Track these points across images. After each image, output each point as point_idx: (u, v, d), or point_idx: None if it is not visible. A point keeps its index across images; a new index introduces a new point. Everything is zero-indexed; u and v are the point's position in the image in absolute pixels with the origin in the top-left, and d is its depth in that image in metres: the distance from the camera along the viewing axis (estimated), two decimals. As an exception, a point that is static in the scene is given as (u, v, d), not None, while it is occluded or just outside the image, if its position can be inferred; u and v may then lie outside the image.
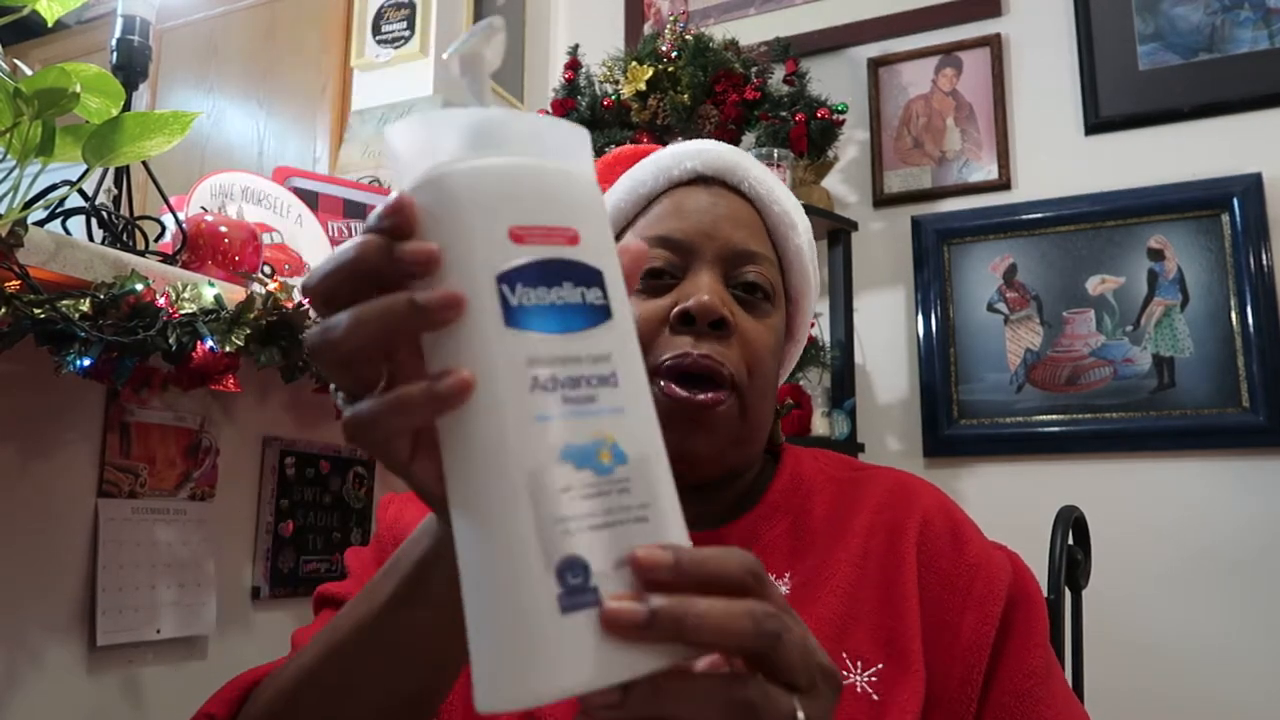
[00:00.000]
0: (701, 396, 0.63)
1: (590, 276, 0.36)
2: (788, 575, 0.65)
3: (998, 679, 0.62)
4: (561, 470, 0.33)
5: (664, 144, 1.88)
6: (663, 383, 0.64)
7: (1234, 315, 1.77)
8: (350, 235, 1.64)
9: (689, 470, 0.66)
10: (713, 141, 0.74)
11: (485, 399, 0.34)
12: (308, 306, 1.10)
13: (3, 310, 0.82)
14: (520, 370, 0.34)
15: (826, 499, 0.70)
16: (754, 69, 1.96)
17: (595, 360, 0.35)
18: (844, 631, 0.61)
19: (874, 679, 0.60)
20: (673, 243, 0.68)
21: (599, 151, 1.98)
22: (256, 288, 1.08)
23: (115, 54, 1.14)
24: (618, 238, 0.73)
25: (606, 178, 0.76)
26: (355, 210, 1.68)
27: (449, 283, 0.34)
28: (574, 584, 0.32)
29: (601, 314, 0.36)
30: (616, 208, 0.73)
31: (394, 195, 0.35)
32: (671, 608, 0.32)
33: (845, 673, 0.60)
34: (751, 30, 2.22)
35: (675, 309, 0.65)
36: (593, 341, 0.35)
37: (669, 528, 0.35)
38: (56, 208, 0.99)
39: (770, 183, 0.72)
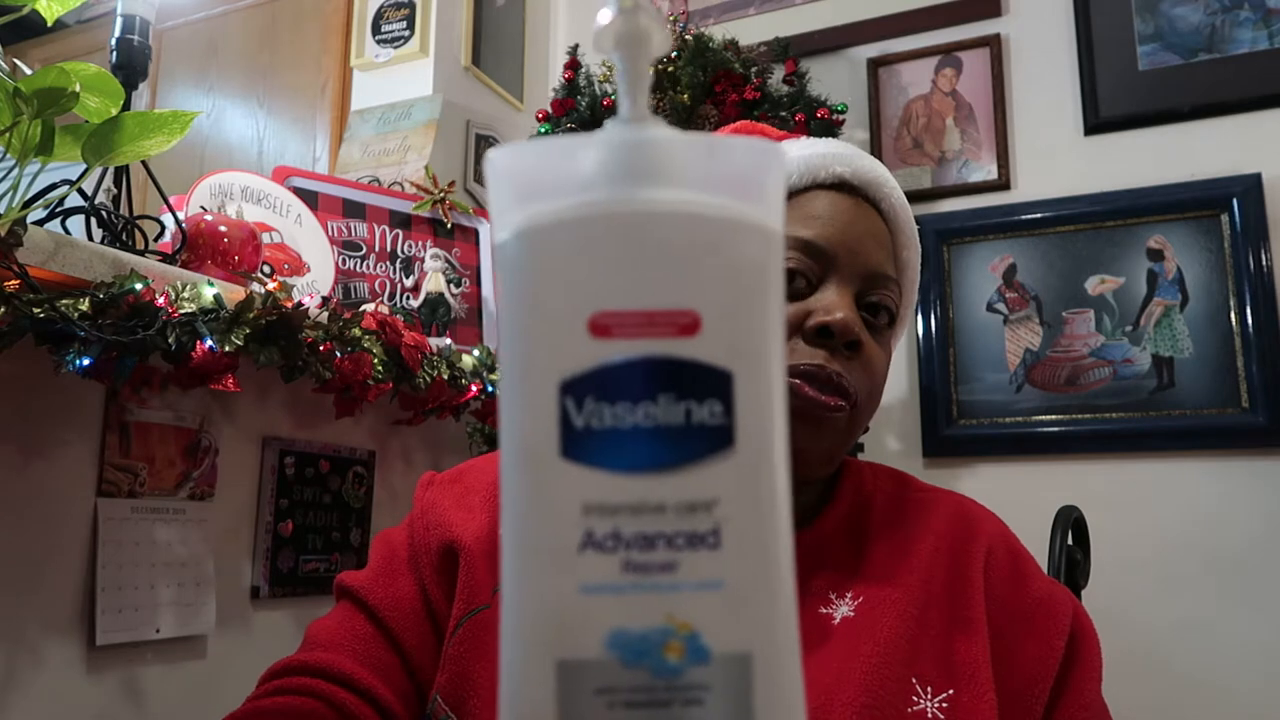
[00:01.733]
0: (829, 399, 0.63)
1: (708, 383, 0.25)
2: (849, 595, 0.64)
3: (1060, 712, 0.62)
4: (603, 665, 0.25)
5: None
6: (795, 380, 0.63)
7: (1233, 315, 1.78)
8: (350, 235, 1.64)
9: (795, 468, 0.66)
10: (855, 148, 0.74)
11: (524, 556, 0.26)
12: (306, 306, 1.10)
13: (2, 310, 0.82)
14: (570, 520, 0.25)
15: (886, 518, 0.70)
16: (754, 69, 1.96)
17: (688, 510, 0.25)
18: (913, 656, 0.61)
19: (945, 704, 0.59)
20: (816, 249, 0.67)
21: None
22: (256, 287, 1.08)
23: (115, 53, 1.14)
24: None
25: None
26: (355, 210, 1.68)
27: (508, 390, 0.26)
28: None
29: (716, 440, 0.25)
30: None
31: None
32: None
33: (915, 698, 0.59)
34: (751, 30, 2.22)
35: (814, 321, 0.64)
36: (691, 482, 0.25)
37: None
38: (56, 207, 0.99)
39: (904, 202, 0.72)
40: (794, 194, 0.70)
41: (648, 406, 0.25)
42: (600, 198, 0.26)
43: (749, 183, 0.27)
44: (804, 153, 0.72)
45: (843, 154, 0.72)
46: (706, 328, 0.25)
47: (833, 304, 0.65)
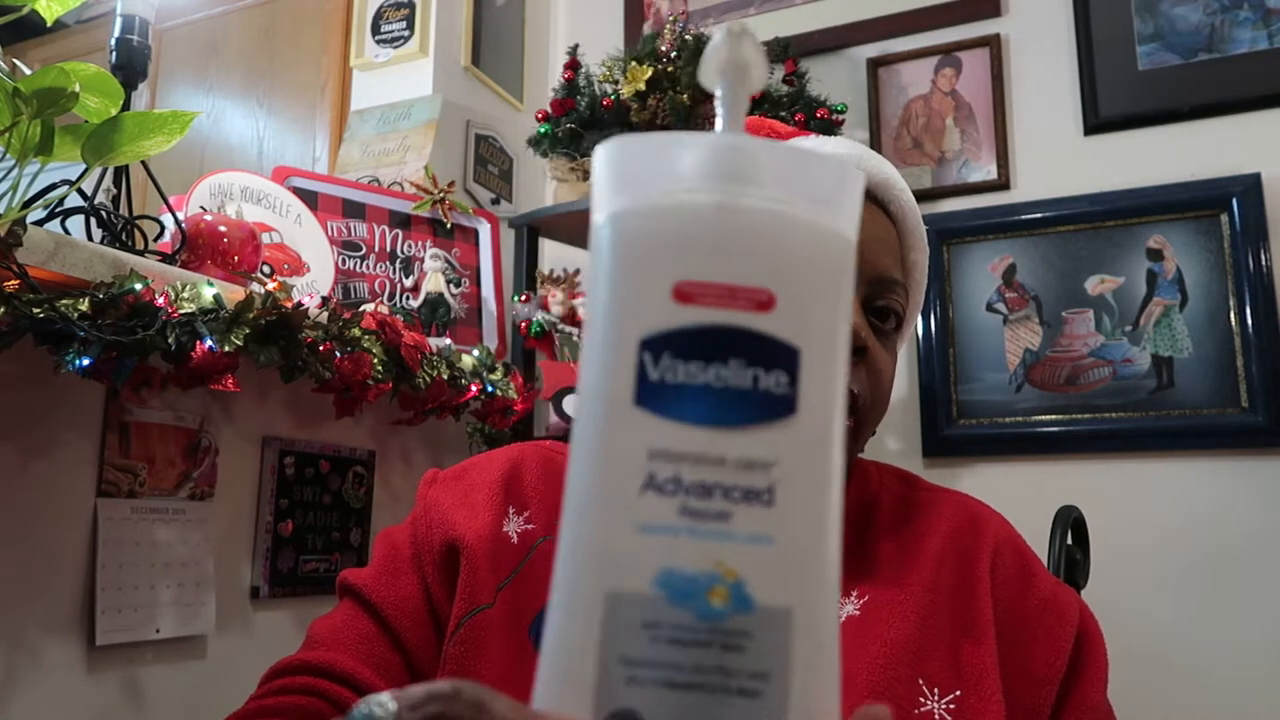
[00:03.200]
0: None
1: (777, 355, 0.27)
2: (854, 595, 0.64)
3: (1066, 714, 0.62)
4: (650, 600, 0.26)
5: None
6: None
7: (1233, 315, 1.78)
8: (349, 235, 1.64)
9: None
10: (865, 148, 0.73)
11: (587, 492, 0.27)
12: (306, 306, 1.10)
13: (2, 310, 0.82)
14: (635, 462, 0.27)
15: (893, 518, 0.69)
16: (753, 69, 1.96)
17: (747, 467, 0.27)
18: (919, 657, 0.61)
19: (953, 705, 0.59)
20: None
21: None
22: (256, 287, 1.08)
23: (115, 54, 1.14)
24: None
25: None
26: (355, 210, 1.68)
27: (592, 344, 0.28)
28: None
29: (779, 407, 0.27)
30: None
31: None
32: None
33: (921, 699, 0.59)
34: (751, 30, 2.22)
35: None
36: (752, 441, 0.27)
37: (790, 709, 0.26)
38: (56, 207, 0.99)
39: (913, 204, 0.72)
40: None
41: (719, 368, 0.27)
42: (699, 188, 0.28)
43: (831, 194, 0.30)
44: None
45: (852, 155, 0.71)
46: (781, 307, 0.28)
47: None
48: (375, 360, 1.20)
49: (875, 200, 0.70)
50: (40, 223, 0.96)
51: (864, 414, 0.66)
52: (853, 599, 0.64)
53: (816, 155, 0.30)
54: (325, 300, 1.20)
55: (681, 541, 0.26)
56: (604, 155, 0.30)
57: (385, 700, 0.28)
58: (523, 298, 1.81)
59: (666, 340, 0.27)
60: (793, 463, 0.27)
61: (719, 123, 0.30)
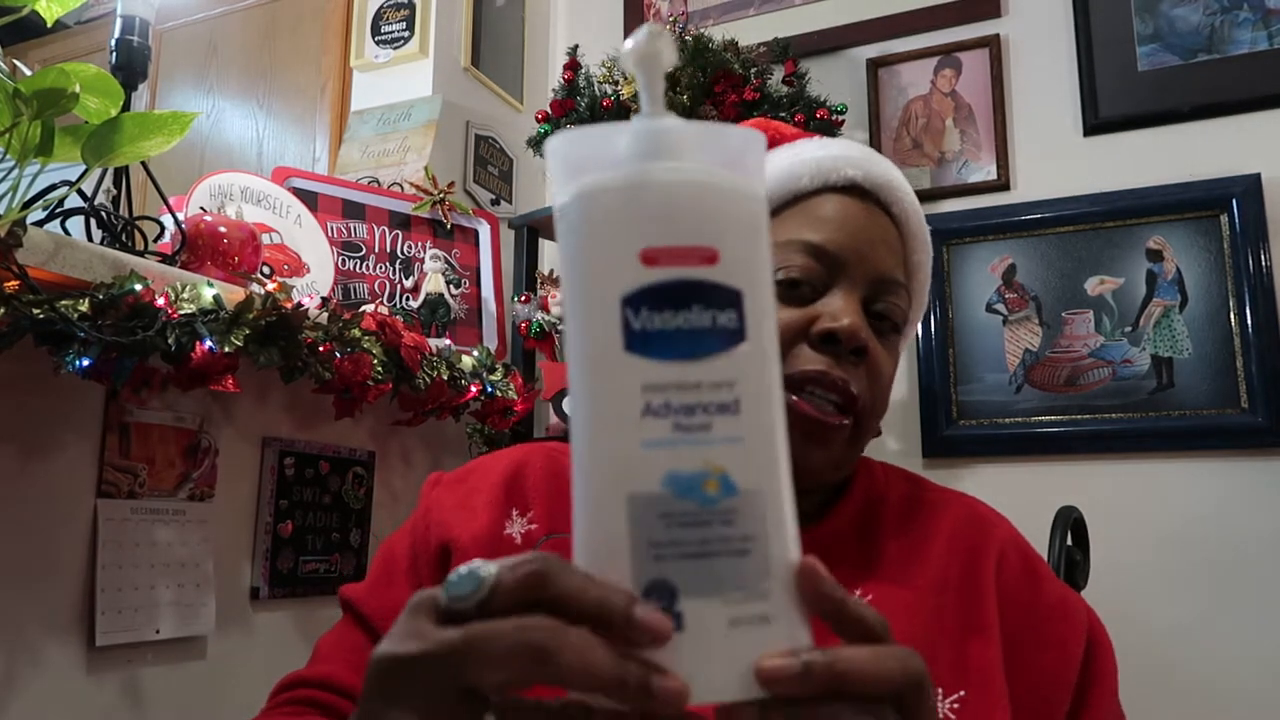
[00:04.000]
0: (833, 419, 0.63)
1: (725, 298, 0.35)
2: (858, 592, 0.64)
3: None
4: (661, 497, 0.33)
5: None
6: (795, 397, 0.63)
7: (1233, 316, 1.78)
8: (349, 236, 1.64)
9: (799, 480, 0.66)
10: (868, 150, 0.73)
11: (597, 423, 0.35)
12: (306, 307, 1.10)
13: (2, 310, 0.82)
14: (633, 396, 0.34)
15: (898, 517, 0.69)
16: (753, 69, 1.96)
17: (716, 387, 0.34)
18: (925, 656, 0.60)
19: (957, 705, 0.59)
20: (824, 253, 0.66)
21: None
22: (255, 288, 1.08)
23: (115, 54, 1.14)
24: None
25: None
26: (355, 211, 1.68)
27: (579, 305, 0.35)
28: (660, 607, 0.33)
29: (732, 337, 0.35)
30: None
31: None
32: (826, 662, 0.34)
33: None
34: (751, 31, 2.22)
35: (819, 327, 0.64)
36: (717, 367, 0.34)
37: (770, 559, 0.35)
38: (56, 208, 0.99)
39: (916, 205, 0.72)
40: (805, 196, 0.69)
41: (685, 314, 0.34)
42: (636, 168, 0.35)
43: (741, 160, 0.37)
44: (816, 154, 0.70)
45: (855, 156, 0.70)
46: (723, 260, 0.35)
47: (839, 310, 0.64)
48: (375, 361, 1.20)
49: (878, 202, 0.69)
50: (40, 223, 0.96)
51: (863, 414, 0.65)
52: (857, 597, 0.64)
53: (724, 128, 0.37)
54: (325, 301, 1.20)
55: (678, 450, 0.34)
56: (558, 145, 0.36)
57: (482, 565, 0.34)
58: (522, 298, 1.81)
59: (642, 296, 0.34)
60: (748, 378, 0.35)
61: (643, 104, 0.37)
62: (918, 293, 0.72)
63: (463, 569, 0.34)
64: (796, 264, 0.66)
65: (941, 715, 0.58)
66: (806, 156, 0.70)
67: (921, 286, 0.72)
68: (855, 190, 0.69)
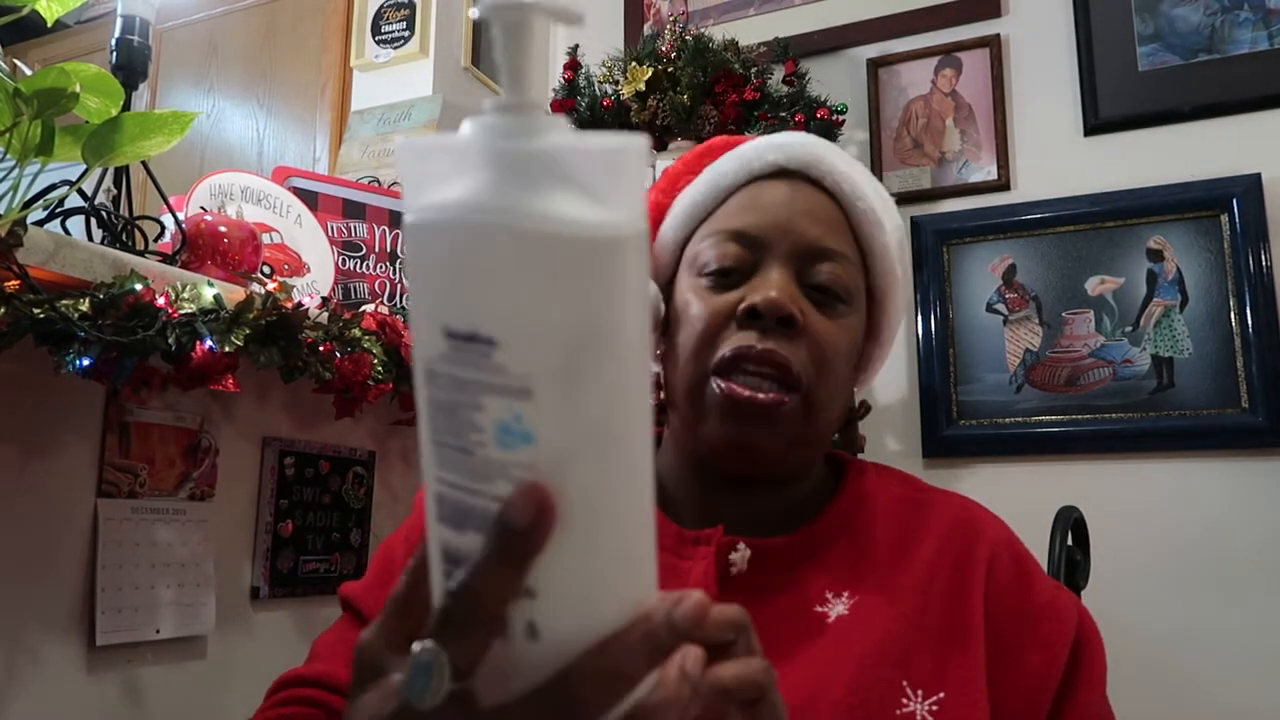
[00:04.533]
0: (764, 397, 0.62)
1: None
2: (845, 594, 0.64)
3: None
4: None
5: (664, 145, 1.87)
6: (724, 384, 0.63)
7: (1233, 316, 1.78)
8: (350, 235, 1.64)
9: (753, 465, 0.65)
10: (801, 134, 0.72)
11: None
12: (306, 307, 1.10)
13: (2, 310, 0.82)
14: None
15: (888, 518, 0.69)
16: (753, 69, 1.96)
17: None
18: (905, 658, 0.60)
19: (935, 707, 0.59)
20: (746, 237, 0.66)
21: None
22: (256, 288, 1.08)
23: (115, 54, 1.14)
24: (694, 231, 0.72)
25: (695, 168, 0.74)
26: (355, 210, 1.68)
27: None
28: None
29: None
30: (695, 201, 0.72)
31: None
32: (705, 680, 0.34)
33: (905, 700, 0.59)
34: (751, 30, 2.22)
35: (742, 305, 0.64)
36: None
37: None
38: (56, 207, 0.99)
39: (856, 178, 0.70)
40: (735, 190, 0.70)
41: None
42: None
43: (603, 186, 0.31)
44: (741, 148, 0.71)
45: (778, 141, 0.71)
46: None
47: (762, 285, 0.64)
48: (375, 361, 1.20)
49: (808, 180, 0.69)
50: (40, 223, 0.96)
51: (808, 389, 0.63)
52: (844, 598, 0.64)
53: (585, 150, 0.31)
54: (325, 300, 1.20)
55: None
56: (398, 158, 0.34)
57: (424, 654, 0.33)
58: (523, 298, 1.81)
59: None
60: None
61: (502, 88, 0.33)
62: (883, 266, 0.70)
63: (414, 665, 0.33)
64: (721, 253, 0.67)
65: (919, 716, 0.58)
66: (731, 153, 0.71)
67: (885, 256, 0.70)
68: (781, 174, 0.70)
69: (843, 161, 0.70)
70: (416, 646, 0.33)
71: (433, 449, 0.34)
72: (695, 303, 0.67)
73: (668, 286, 0.73)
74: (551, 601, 0.33)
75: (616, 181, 0.31)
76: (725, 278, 0.66)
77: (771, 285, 0.63)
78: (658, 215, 0.75)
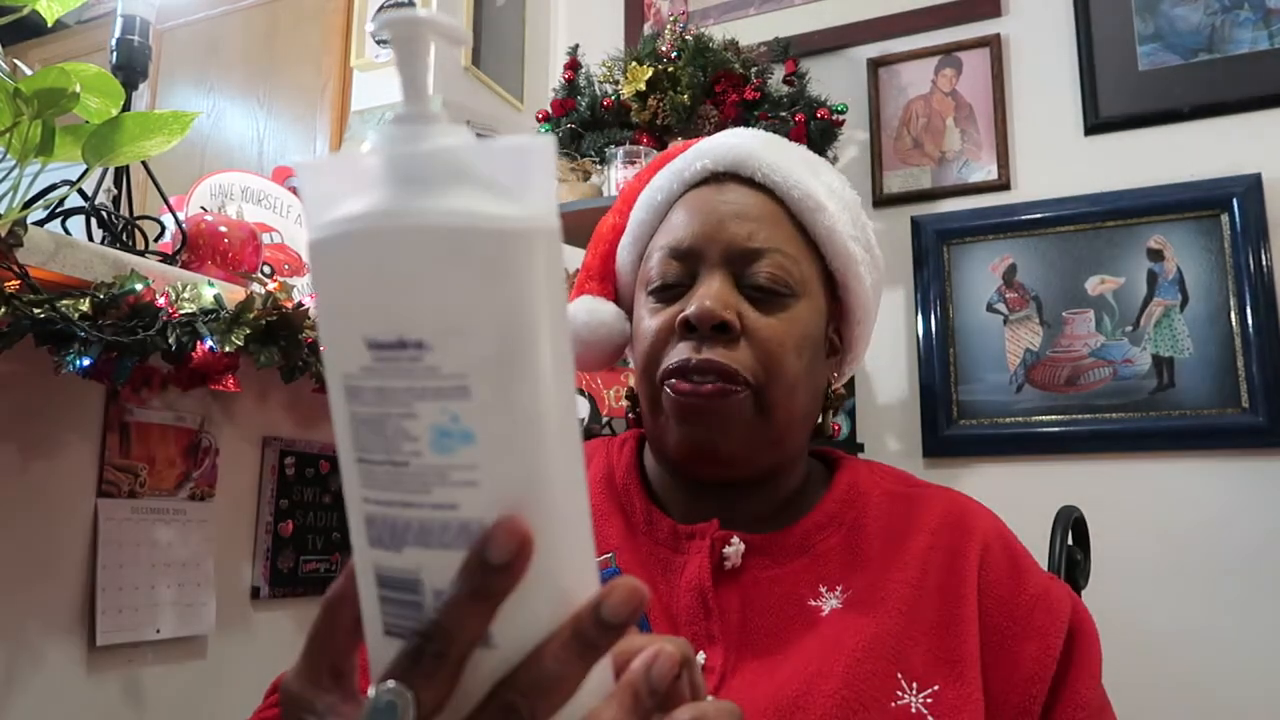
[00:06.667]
0: (707, 388, 0.63)
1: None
2: (839, 588, 0.64)
3: (1057, 712, 0.62)
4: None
5: (664, 144, 1.87)
6: (669, 383, 0.65)
7: (1233, 316, 1.77)
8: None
9: (715, 467, 0.66)
10: (732, 132, 0.73)
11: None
12: (306, 306, 1.10)
13: (2, 310, 0.82)
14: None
15: (881, 513, 0.69)
16: (754, 69, 1.96)
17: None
18: (900, 651, 0.61)
19: (930, 700, 0.59)
20: (679, 252, 0.68)
21: (600, 152, 1.98)
22: (256, 288, 1.08)
23: (115, 54, 1.14)
24: (644, 249, 0.73)
25: (647, 179, 0.76)
26: (355, 210, 1.67)
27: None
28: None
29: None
30: (640, 220, 0.74)
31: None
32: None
33: (899, 693, 0.59)
34: (751, 30, 2.22)
35: (679, 319, 0.65)
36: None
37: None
38: (56, 207, 0.99)
39: (786, 167, 0.69)
40: (674, 202, 0.72)
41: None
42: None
43: (511, 184, 0.31)
44: (675, 161, 0.72)
45: (707, 146, 0.71)
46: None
47: (695, 296, 0.65)
48: (375, 360, 1.20)
49: (735, 178, 0.70)
50: (41, 223, 0.96)
51: (758, 388, 0.64)
52: (837, 593, 0.64)
53: (489, 149, 0.31)
54: (325, 300, 1.20)
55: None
56: (298, 179, 0.33)
57: (387, 692, 0.31)
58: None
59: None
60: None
61: (402, 98, 0.32)
62: (833, 248, 0.69)
63: (375, 708, 0.31)
64: (662, 270, 0.68)
65: (914, 709, 0.59)
66: (668, 166, 0.73)
67: (831, 239, 0.69)
68: (712, 179, 0.70)
69: (773, 153, 0.70)
70: (375, 690, 0.31)
71: (357, 469, 0.32)
72: (645, 320, 0.69)
73: (631, 308, 0.75)
74: (505, 605, 0.32)
75: (524, 179, 0.31)
76: (668, 292, 0.68)
77: (706, 296, 0.65)
78: (614, 237, 0.77)
